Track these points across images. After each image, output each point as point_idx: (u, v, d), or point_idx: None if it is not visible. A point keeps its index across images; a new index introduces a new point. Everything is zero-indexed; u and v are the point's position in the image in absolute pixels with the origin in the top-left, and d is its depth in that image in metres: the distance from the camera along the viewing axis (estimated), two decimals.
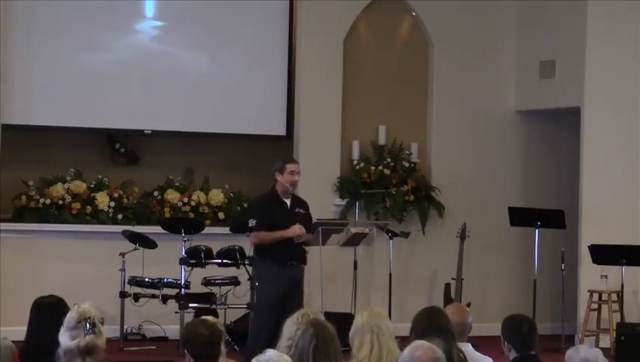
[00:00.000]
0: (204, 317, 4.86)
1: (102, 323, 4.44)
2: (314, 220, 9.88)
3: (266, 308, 9.10)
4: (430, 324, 5.27)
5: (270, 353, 4.15)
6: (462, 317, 5.78)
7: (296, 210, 9.22)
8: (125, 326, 10.74)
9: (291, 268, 9.08)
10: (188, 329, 4.75)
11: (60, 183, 11.33)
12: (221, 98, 11.88)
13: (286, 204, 9.19)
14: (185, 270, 10.48)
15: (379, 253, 11.59)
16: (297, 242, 9.10)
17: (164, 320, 11.01)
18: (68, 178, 11.40)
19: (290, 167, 9.20)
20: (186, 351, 4.69)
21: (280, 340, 4.75)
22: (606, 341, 11.05)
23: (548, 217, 11.69)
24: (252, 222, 9.19)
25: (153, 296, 10.63)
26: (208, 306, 10.49)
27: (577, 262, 11.72)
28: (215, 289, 10.73)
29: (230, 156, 12.08)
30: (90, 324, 4.34)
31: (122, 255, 10.58)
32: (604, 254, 11.03)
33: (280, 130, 12.04)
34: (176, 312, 10.48)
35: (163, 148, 11.97)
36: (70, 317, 4.39)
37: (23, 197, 11.25)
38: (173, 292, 10.59)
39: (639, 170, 11.62)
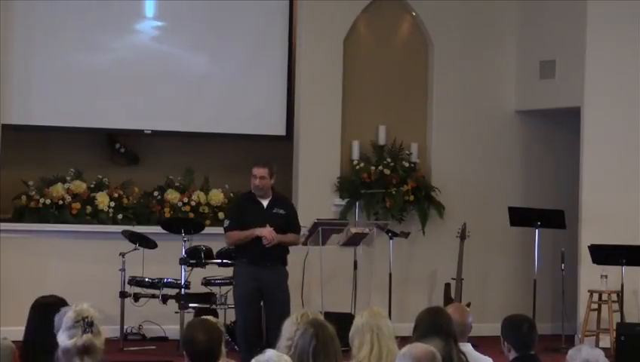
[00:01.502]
0: (204, 317, 4.83)
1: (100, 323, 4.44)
2: (314, 220, 9.88)
3: (239, 308, 9.13)
4: (432, 324, 5.27)
5: (270, 353, 4.15)
6: (462, 317, 5.78)
7: (274, 211, 9.10)
8: (125, 326, 10.74)
9: (265, 268, 8.99)
10: (187, 333, 4.71)
11: (59, 183, 11.33)
12: (221, 98, 11.89)
13: (262, 204, 9.10)
14: (185, 270, 10.48)
15: (379, 253, 11.58)
16: (268, 245, 8.95)
17: (164, 320, 11.01)
18: (68, 178, 11.40)
19: (253, 170, 9.11)
20: (184, 352, 4.68)
21: (279, 340, 4.75)
22: (606, 341, 11.05)
23: (548, 217, 11.69)
24: (226, 223, 9.25)
25: (153, 296, 10.63)
26: (208, 306, 10.50)
27: (577, 262, 11.71)
28: (215, 289, 10.73)
29: (230, 156, 12.07)
30: (87, 323, 4.33)
31: (122, 255, 10.58)
32: (604, 254, 11.02)
33: (280, 130, 12.03)
34: (176, 312, 10.48)
35: (163, 148, 11.97)
36: (68, 317, 4.39)
37: (23, 197, 11.25)
38: (173, 292, 10.60)
39: (639, 170, 11.62)
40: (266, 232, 8.93)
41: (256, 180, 9.06)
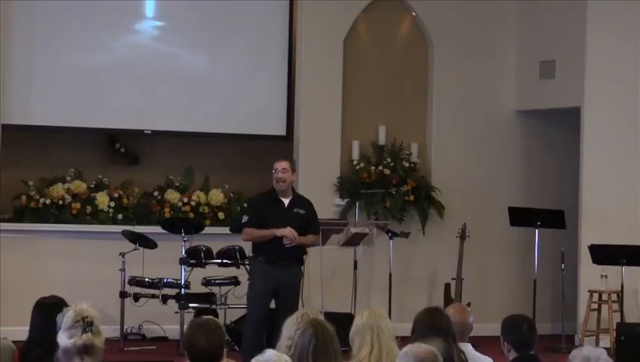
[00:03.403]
0: (207, 317, 4.80)
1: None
2: None
3: (251, 308, 9.11)
4: (431, 325, 5.26)
5: (270, 353, 4.15)
6: (463, 316, 5.79)
7: (295, 210, 9.08)
8: (125, 326, 10.73)
9: (282, 268, 8.96)
10: (189, 335, 4.69)
11: (60, 183, 11.33)
12: (221, 98, 11.88)
13: (283, 203, 9.08)
14: (185, 270, 10.48)
15: (379, 253, 11.59)
16: (289, 245, 8.94)
17: (164, 320, 11.01)
18: (68, 178, 11.40)
19: (274, 165, 9.10)
20: (186, 353, 4.67)
21: (280, 340, 4.75)
22: (606, 341, 11.05)
23: (548, 217, 11.69)
24: (244, 219, 9.20)
25: (153, 296, 10.63)
26: (208, 306, 10.50)
27: (577, 262, 11.72)
28: (215, 289, 10.73)
29: (230, 156, 12.08)
30: (87, 323, 4.33)
31: (122, 255, 10.58)
32: (604, 254, 11.02)
33: (280, 130, 12.03)
34: (176, 312, 10.48)
35: (163, 148, 11.98)
36: (67, 317, 4.39)
37: (23, 197, 11.25)
38: (173, 292, 10.60)
39: (639, 170, 11.62)
40: (287, 232, 8.93)
41: (278, 173, 9.02)
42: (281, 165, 9.05)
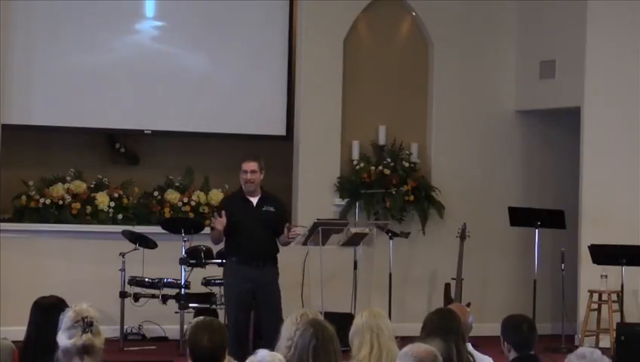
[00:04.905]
0: (210, 318, 4.79)
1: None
2: (314, 220, 9.87)
3: (231, 310, 9.08)
4: (441, 325, 5.27)
5: (263, 353, 4.15)
6: (462, 317, 5.78)
7: (264, 208, 9.00)
8: (125, 326, 10.73)
9: (257, 268, 8.89)
10: (192, 335, 4.68)
11: (60, 183, 11.33)
12: (221, 98, 11.88)
13: (251, 202, 9.01)
14: (185, 270, 10.48)
15: (379, 253, 11.58)
16: (294, 240, 8.97)
17: (164, 320, 11.01)
18: (68, 178, 11.40)
19: (242, 166, 9.04)
20: (189, 352, 4.67)
21: (279, 340, 4.75)
22: (606, 341, 11.05)
23: (548, 217, 11.69)
24: (212, 221, 9.17)
25: (153, 296, 10.63)
26: (208, 306, 10.50)
27: (577, 262, 11.72)
28: (215, 289, 10.73)
29: (230, 156, 12.04)
30: (87, 324, 4.34)
31: (122, 255, 10.58)
32: (604, 254, 11.02)
33: (280, 130, 12.04)
34: (176, 312, 10.48)
35: (163, 148, 11.98)
36: (67, 317, 4.39)
37: (23, 197, 11.25)
38: (173, 292, 10.60)
39: (639, 170, 11.62)
40: (217, 223, 8.84)
41: (246, 175, 8.98)
42: (250, 166, 8.98)
